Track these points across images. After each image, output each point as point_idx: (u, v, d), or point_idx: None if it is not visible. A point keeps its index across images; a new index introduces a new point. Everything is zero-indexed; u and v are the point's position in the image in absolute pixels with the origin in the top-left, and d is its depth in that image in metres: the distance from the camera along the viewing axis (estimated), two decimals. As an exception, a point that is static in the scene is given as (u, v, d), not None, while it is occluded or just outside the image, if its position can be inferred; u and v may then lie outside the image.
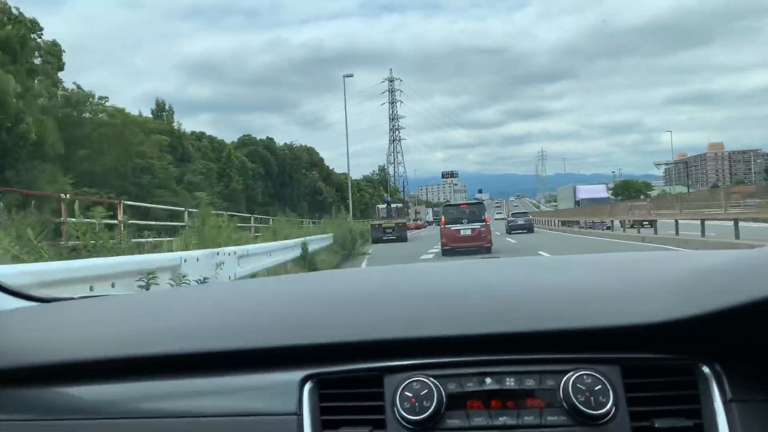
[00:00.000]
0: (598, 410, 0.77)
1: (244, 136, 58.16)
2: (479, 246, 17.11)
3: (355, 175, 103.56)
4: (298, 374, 0.85)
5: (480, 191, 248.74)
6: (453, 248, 17.30)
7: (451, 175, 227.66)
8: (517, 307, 0.94)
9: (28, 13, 26.63)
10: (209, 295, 1.31)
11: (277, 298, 1.19)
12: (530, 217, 39.87)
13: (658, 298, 0.88)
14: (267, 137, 59.79)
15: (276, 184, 57.48)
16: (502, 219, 58.30)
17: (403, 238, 32.49)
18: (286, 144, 64.61)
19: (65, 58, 29.05)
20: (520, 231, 34.72)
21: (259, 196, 51.22)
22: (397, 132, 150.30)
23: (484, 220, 17.75)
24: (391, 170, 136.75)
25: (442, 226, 18.10)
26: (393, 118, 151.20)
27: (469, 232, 17.39)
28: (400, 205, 41.59)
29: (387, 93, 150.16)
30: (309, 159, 69.46)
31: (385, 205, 41.01)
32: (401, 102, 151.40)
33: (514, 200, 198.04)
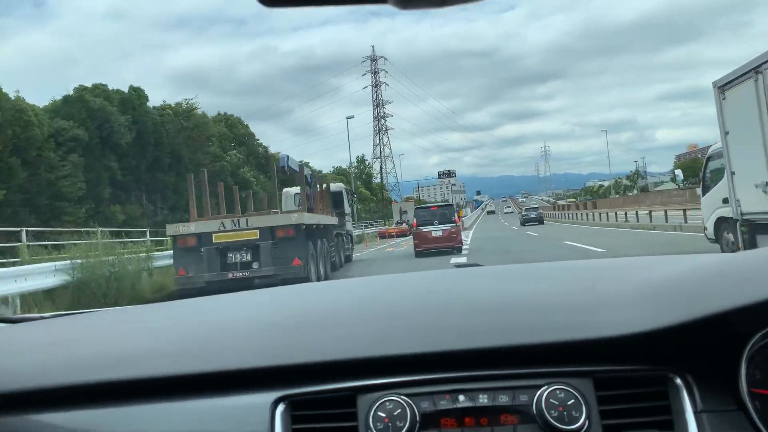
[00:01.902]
0: (571, 425, 0.77)
1: (92, 85, 32.76)
2: (450, 246, 17.80)
3: (327, 169, 78.12)
4: (270, 396, 0.84)
5: (478, 193, 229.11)
6: (425, 249, 17.95)
7: (449, 174, 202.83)
8: (490, 321, 0.92)
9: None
10: (177, 315, 1.27)
11: (246, 317, 1.15)
12: (540, 211, 49.22)
13: (628, 309, 0.87)
14: (132, 87, 34.34)
15: (139, 167, 32.11)
16: (510, 212, 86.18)
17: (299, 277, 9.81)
18: (178, 104, 39.24)
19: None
20: (533, 223, 41.60)
21: (71, 183, 25.68)
22: (382, 120, 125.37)
23: (454, 221, 18.26)
24: (376, 165, 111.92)
25: (414, 228, 18.81)
26: (377, 103, 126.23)
27: (440, 233, 17.85)
28: (312, 185, 15.38)
29: (369, 75, 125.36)
30: (228, 133, 44.28)
31: (293, 191, 16.20)
32: (386, 85, 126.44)
33: (522, 198, 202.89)
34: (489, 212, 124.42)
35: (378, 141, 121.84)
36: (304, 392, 0.84)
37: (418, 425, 0.79)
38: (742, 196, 7.78)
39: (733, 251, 7.53)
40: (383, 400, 0.81)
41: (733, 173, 7.93)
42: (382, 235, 44.00)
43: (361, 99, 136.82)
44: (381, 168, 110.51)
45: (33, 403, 0.88)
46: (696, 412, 0.79)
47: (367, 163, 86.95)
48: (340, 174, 77.01)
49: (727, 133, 7.96)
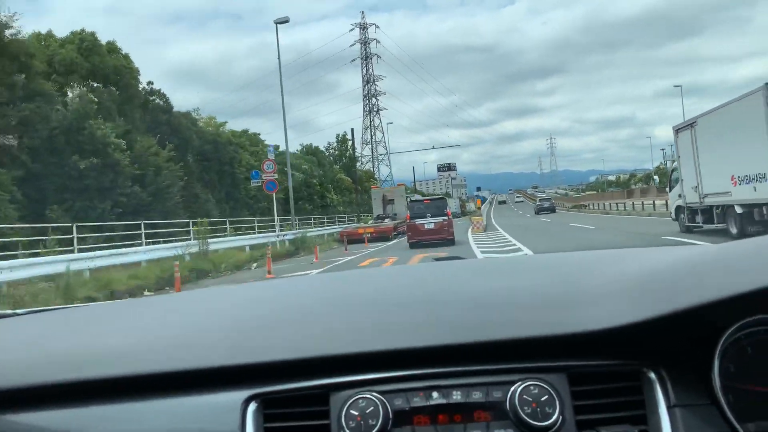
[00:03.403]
0: (544, 421, 0.78)
1: None
2: (442, 238, 18.35)
3: (294, 147, 58.49)
4: (241, 394, 0.83)
5: (479, 189, 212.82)
6: (418, 241, 18.49)
7: (449, 168, 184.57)
8: (464, 316, 0.92)
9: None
10: (149, 312, 1.25)
11: (217, 314, 1.13)
12: (553, 202, 60.13)
13: (603, 304, 0.88)
14: None
15: None
16: (521, 202, 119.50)
17: None
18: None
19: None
20: (546, 212, 49.23)
21: None
22: (374, 100, 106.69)
23: (446, 214, 18.86)
24: (367, 151, 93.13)
25: (408, 221, 19.30)
26: (367, 80, 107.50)
27: (432, 226, 18.42)
28: None
29: (360, 46, 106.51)
30: (81, 62, 25.60)
31: None
32: (379, 58, 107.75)
33: (537, 193, 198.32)
34: (500, 202, 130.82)
35: (369, 123, 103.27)
36: (276, 390, 0.83)
37: (390, 423, 0.78)
38: (686, 193, 14.93)
39: (685, 225, 15.32)
40: (356, 397, 0.80)
41: (682, 180, 15.16)
42: (351, 239, 25.21)
43: (358, 94, 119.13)
44: (373, 157, 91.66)
45: (2, 403, 0.87)
46: (669, 407, 0.79)
47: (349, 144, 67.79)
48: (309, 154, 58.35)
49: (679, 156, 15.36)
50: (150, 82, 30.25)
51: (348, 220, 43.01)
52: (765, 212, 11.63)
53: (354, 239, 25.37)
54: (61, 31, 26.97)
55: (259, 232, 25.39)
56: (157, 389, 0.85)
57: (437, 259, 1.59)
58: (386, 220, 30.03)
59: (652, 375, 0.82)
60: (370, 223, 31.05)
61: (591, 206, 51.47)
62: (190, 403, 0.84)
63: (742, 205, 12.28)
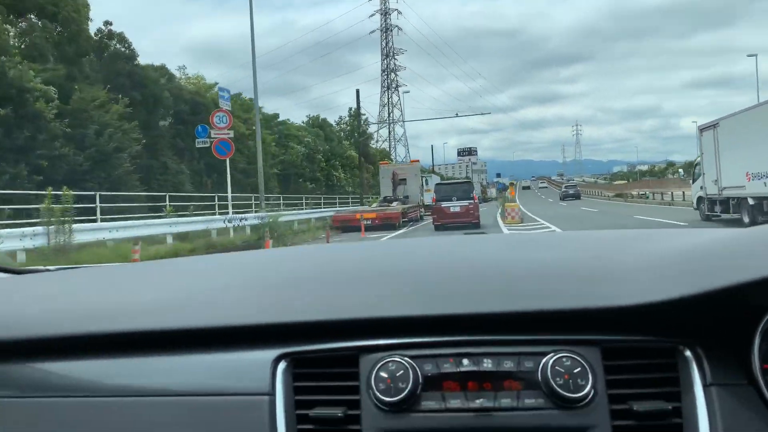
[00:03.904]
0: (576, 393, 0.77)
1: None
2: (468, 222, 18.63)
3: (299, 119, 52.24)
4: (272, 353, 0.84)
5: (498, 175, 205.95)
6: (443, 223, 18.76)
7: (470, 152, 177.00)
8: (497, 286, 0.92)
9: None
10: (183, 270, 1.26)
11: (251, 274, 1.14)
12: (578, 188, 59.92)
13: (639, 279, 0.87)
14: None
15: None
16: (545, 188, 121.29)
17: None
18: None
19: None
20: (571, 198, 51.22)
21: None
22: (393, 75, 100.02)
23: (472, 198, 19.05)
24: (384, 131, 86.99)
25: (433, 203, 19.53)
26: (387, 54, 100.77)
27: (458, 209, 18.67)
28: None
29: (380, 16, 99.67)
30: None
31: None
32: (399, 29, 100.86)
33: (558, 178, 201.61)
34: (524, 188, 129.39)
35: (387, 99, 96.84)
36: (307, 350, 0.84)
37: (420, 387, 0.78)
38: (707, 186, 16.91)
39: (705, 214, 17.36)
40: (386, 360, 0.80)
41: (703, 174, 17.19)
42: (345, 227, 19.48)
43: (377, 74, 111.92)
44: (390, 136, 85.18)
45: (36, 352, 0.89)
46: (705, 386, 0.78)
47: (364, 119, 61.46)
48: (315, 126, 52.43)
49: (702, 153, 17.30)
50: (107, 22, 24.45)
51: (352, 202, 37.06)
52: None
53: (350, 227, 19.57)
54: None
55: (220, 213, 19.54)
56: (188, 344, 0.85)
57: (467, 233, 2.80)
58: (394, 204, 24.11)
59: (688, 353, 0.80)
60: (374, 206, 25.08)
61: (654, 196, 39.61)
62: (221, 359, 0.84)
63: (754, 198, 14.14)
